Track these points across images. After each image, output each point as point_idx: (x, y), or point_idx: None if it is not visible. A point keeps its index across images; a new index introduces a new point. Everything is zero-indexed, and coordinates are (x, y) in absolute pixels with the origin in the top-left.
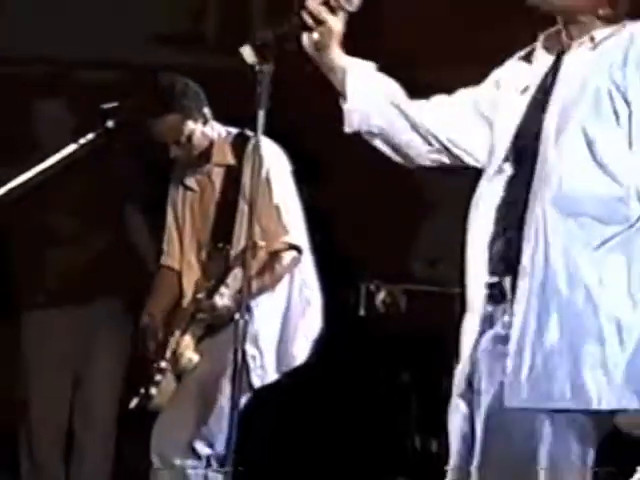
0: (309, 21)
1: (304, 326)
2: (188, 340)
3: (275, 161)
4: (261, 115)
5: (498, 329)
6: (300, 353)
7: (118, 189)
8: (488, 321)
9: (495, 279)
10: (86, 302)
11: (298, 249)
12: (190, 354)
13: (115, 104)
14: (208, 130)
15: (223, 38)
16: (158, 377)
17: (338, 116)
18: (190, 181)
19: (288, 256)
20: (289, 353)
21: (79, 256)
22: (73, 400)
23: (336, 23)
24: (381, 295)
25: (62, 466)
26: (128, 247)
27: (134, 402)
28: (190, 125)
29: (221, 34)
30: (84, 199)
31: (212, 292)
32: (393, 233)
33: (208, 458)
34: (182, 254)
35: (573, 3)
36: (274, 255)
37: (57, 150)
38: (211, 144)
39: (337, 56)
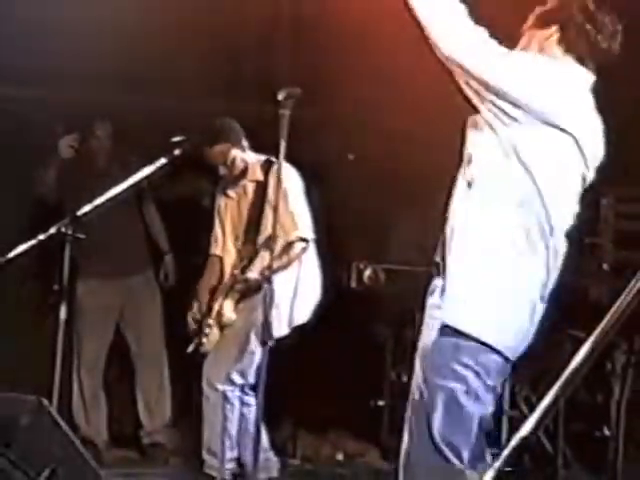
0: None
1: (309, 294)
2: (228, 303)
3: (291, 179)
4: (282, 145)
5: (435, 299)
6: (306, 313)
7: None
8: (431, 292)
9: (437, 259)
10: (127, 273)
11: (306, 240)
12: (230, 313)
13: (182, 137)
14: (245, 156)
15: (255, 92)
16: (207, 330)
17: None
18: (231, 192)
19: (299, 246)
20: (298, 313)
21: (120, 242)
22: (126, 340)
23: None
24: (367, 272)
25: (102, 391)
26: (148, 234)
27: (191, 347)
28: (233, 152)
29: (253, 89)
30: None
31: (245, 270)
32: (377, 227)
33: (242, 385)
34: (224, 244)
35: None
36: (289, 245)
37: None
38: (246, 166)
39: None
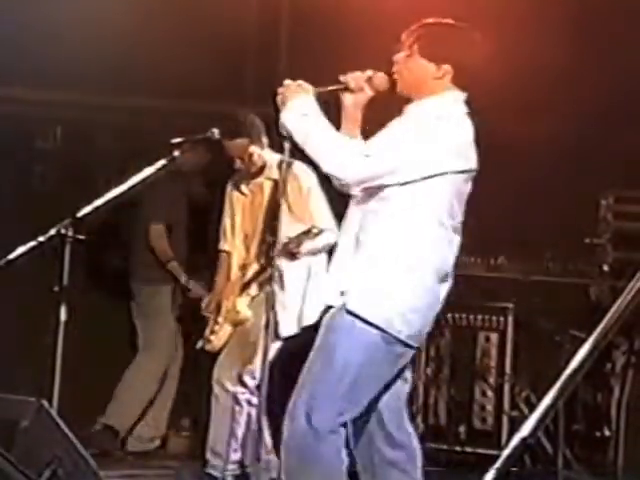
0: (354, 86)
1: (316, 297)
2: (243, 300)
3: (310, 180)
4: (286, 147)
5: None
6: (316, 314)
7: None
8: None
9: None
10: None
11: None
12: (246, 310)
13: (181, 139)
14: (263, 153)
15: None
16: (216, 327)
17: None
18: (244, 189)
19: (328, 236)
20: (308, 313)
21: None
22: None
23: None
24: None
25: None
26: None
27: (199, 344)
28: (252, 148)
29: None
30: None
31: (266, 264)
32: None
33: (252, 387)
34: (232, 240)
35: None
36: (317, 232)
37: None
38: (264, 164)
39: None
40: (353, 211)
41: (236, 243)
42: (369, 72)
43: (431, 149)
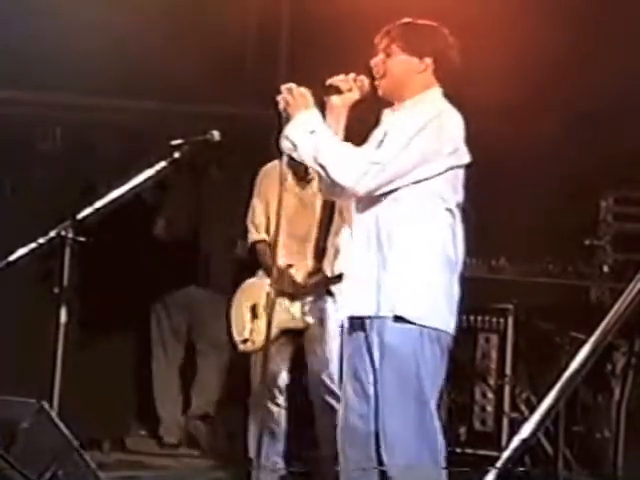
0: (345, 87)
1: None
2: (298, 305)
3: None
4: (285, 159)
5: None
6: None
7: None
8: None
9: None
10: None
11: None
12: (303, 316)
13: (181, 141)
14: None
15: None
16: (256, 326)
17: None
18: (294, 187)
19: None
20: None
21: None
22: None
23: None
24: None
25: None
26: None
27: (241, 346)
28: None
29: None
30: None
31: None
32: None
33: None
34: (268, 233)
35: None
36: None
37: None
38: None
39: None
40: (361, 218)
41: (281, 240)
42: (352, 75)
43: (438, 147)
